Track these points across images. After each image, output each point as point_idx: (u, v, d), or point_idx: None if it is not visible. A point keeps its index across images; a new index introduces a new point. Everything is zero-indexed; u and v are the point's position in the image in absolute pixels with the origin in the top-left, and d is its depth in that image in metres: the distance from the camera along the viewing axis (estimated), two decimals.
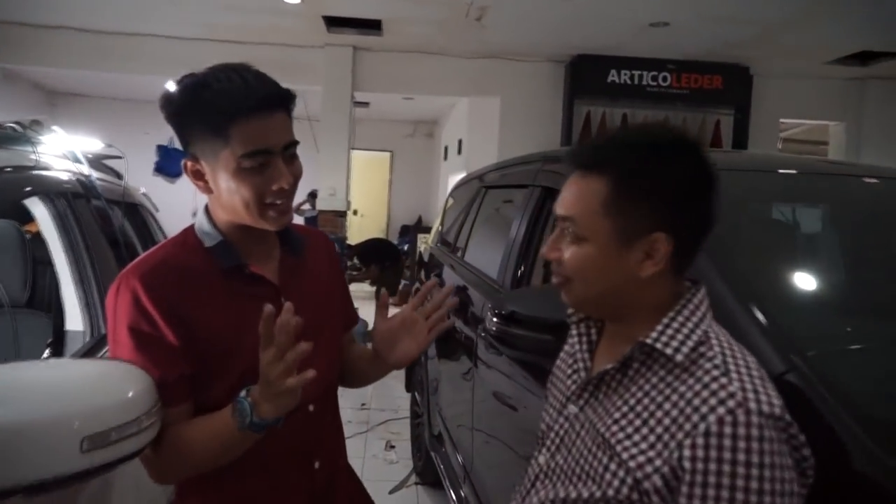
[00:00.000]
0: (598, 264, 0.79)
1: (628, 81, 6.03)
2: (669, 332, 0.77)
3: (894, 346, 1.07)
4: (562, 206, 0.83)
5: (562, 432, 0.88)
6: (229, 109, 0.88)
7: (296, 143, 0.95)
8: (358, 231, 9.48)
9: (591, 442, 0.80)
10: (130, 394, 0.86)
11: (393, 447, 3.55)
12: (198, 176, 0.95)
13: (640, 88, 6.04)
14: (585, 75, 6.04)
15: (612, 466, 0.75)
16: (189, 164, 0.95)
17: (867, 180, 1.64)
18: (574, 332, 0.93)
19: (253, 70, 0.93)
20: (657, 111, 6.14)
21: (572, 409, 0.87)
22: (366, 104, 8.11)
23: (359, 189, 9.14)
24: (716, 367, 0.73)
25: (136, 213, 2.40)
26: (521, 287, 1.71)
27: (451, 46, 5.90)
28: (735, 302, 1.02)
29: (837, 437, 0.81)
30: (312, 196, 8.29)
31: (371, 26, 5.32)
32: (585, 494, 0.78)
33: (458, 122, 7.93)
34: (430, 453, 2.83)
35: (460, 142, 7.76)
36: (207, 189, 0.95)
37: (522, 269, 1.99)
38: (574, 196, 0.81)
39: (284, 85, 0.95)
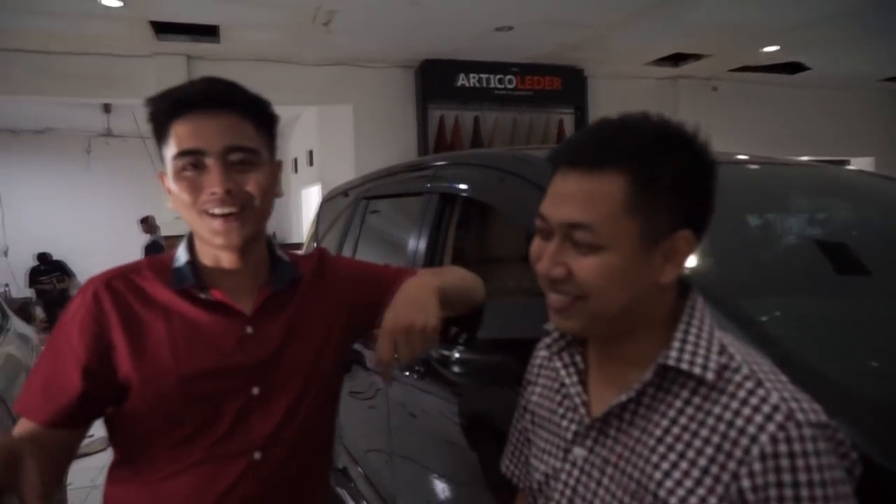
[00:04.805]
0: (622, 275, 0.68)
1: (476, 85, 6.18)
2: (689, 347, 0.69)
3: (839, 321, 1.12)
4: (565, 212, 0.69)
5: (572, 482, 0.77)
6: (169, 109, 0.88)
7: (246, 148, 0.90)
8: None
9: (619, 489, 0.71)
10: None
11: None
12: (168, 189, 0.93)
13: (488, 91, 6.22)
14: (435, 80, 6.09)
15: None
16: (160, 175, 0.95)
17: (749, 165, 1.76)
18: (558, 363, 0.82)
19: (221, 79, 0.92)
20: (505, 113, 6.39)
21: (579, 452, 0.76)
22: None
23: None
24: (746, 378, 0.66)
25: None
26: None
27: (297, 53, 5.62)
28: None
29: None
30: (144, 222, 7.51)
31: (206, 32, 4.89)
32: None
33: (307, 132, 7.62)
34: (333, 490, 2.62)
35: (311, 153, 7.46)
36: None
37: None
38: (583, 198, 0.68)
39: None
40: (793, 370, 0.76)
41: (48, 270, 8.17)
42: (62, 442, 0.89)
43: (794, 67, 6.78)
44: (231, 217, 0.89)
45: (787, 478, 0.60)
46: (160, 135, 0.90)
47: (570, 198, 0.69)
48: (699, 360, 0.68)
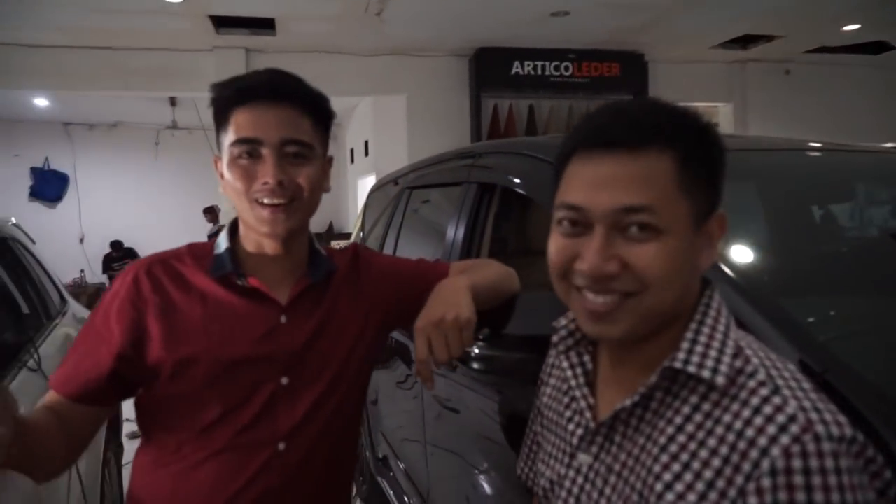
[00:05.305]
0: (681, 262, 0.62)
1: (532, 72, 6.05)
2: (699, 349, 0.62)
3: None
4: (615, 197, 0.62)
5: (576, 490, 0.71)
6: (232, 96, 0.90)
7: (301, 142, 0.92)
8: None
9: (621, 500, 0.65)
10: None
11: None
12: (221, 174, 0.95)
13: (544, 79, 6.08)
14: (490, 68, 6.00)
15: None
16: (215, 160, 0.97)
17: (809, 153, 1.62)
18: (565, 363, 0.76)
19: (284, 72, 0.94)
20: (561, 100, 6.23)
21: (584, 459, 0.71)
22: None
23: None
24: (761, 384, 0.59)
25: (5, 248, 2.04)
26: None
27: (351, 44, 5.66)
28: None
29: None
30: (208, 212, 7.78)
31: (263, 25, 4.99)
32: None
33: (363, 122, 7.69)
34: (374, 479, 2.63)
35: (366, 143, 7.52)
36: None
37: None
38: (632, 180, 0.62)
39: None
40: (837, 377, 0.67)
41: (120, 258, 8.59)
42: (85, 416, 0.92)
43: (878, 47, 6.30)
44: (279, 208, 0.90)
45: (801, 497, 0.52)
46: (220, 121, 0.92)
47: (614, 181, 0.62)
48: (709, 363, 0.61)
